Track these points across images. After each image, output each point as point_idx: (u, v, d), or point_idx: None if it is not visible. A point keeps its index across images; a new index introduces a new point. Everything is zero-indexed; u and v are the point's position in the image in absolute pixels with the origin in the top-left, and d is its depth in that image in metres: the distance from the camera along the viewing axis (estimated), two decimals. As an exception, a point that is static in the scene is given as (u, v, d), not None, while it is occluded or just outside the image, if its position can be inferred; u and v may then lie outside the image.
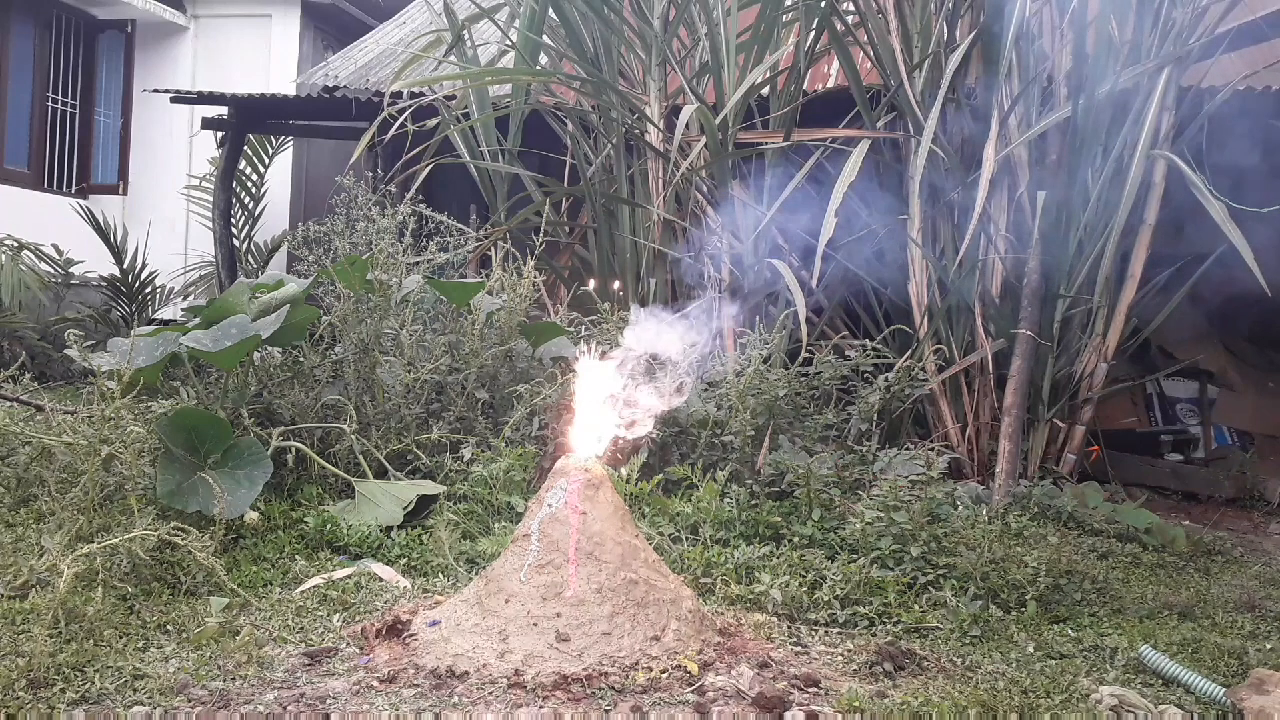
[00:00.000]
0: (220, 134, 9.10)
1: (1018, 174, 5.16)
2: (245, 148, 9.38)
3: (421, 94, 6.33)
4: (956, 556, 3.37)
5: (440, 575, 3.39)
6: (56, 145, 10.55)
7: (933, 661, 2.81)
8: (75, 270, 8.89)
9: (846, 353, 4.82)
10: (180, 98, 8.71)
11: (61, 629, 2.63)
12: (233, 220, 9.25)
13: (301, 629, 2.86)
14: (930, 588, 3.28)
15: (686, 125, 5.20)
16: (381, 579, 3.30)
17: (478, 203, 6.72)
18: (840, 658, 2.82)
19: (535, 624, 2.59)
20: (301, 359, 4.47)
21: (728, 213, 5.43)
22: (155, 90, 9.17)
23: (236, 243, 9.44)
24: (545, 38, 6.12)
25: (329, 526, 3.63)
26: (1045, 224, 4.88)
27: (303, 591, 3.14)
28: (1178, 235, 5.09)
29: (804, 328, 4.66)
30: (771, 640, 2.89)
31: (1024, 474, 4.81)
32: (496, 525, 3.75)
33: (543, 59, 6.37)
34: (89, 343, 3.89)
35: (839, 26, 5.43)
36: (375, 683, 2.48)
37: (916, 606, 3.18)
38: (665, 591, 2.75)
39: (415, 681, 2.49)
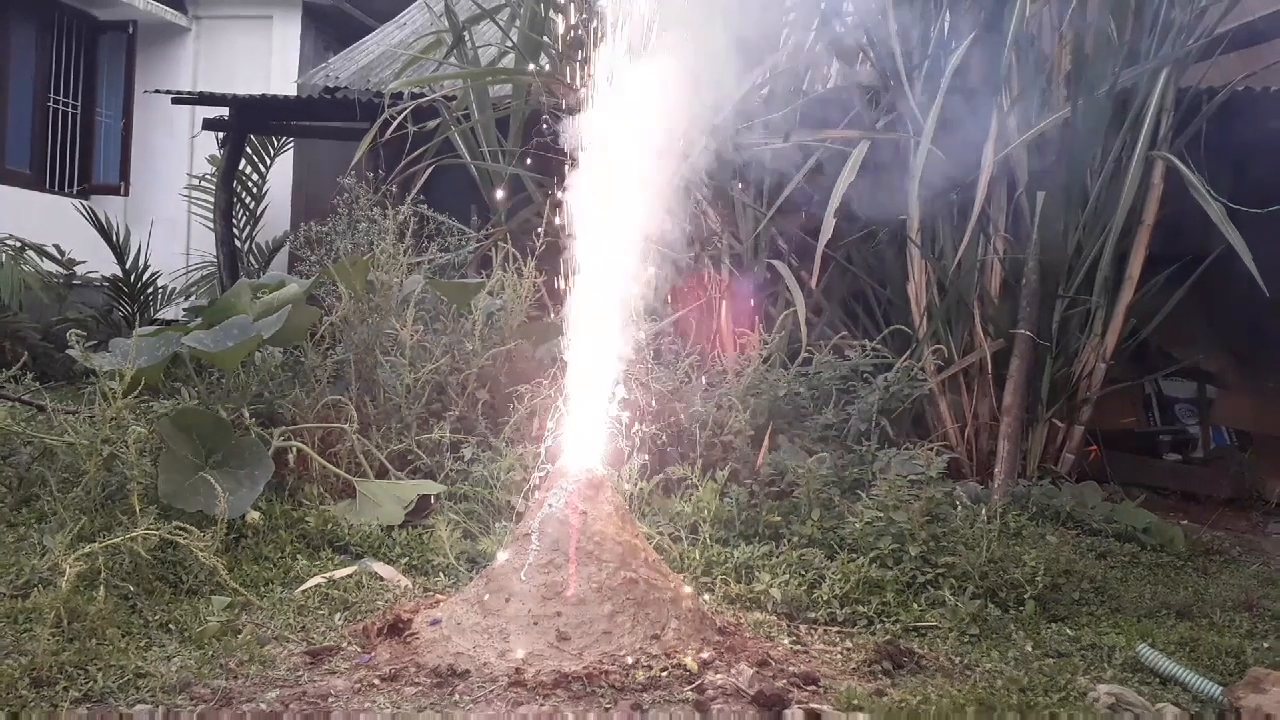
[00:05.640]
0: (221, 135, 9.11)
1: (1017, 174, 5.16)
2: (246, 148, 9.40)
3: (422, 94, 6.33)
4: (955, 556, 3.37)
5: (441, 574, 3.40)
6: (58, 146, 10.56)
7: (931, 660, 2.82)
8: (77, 270, 8.90)
9: (846, 353, 4.83)
10: (181, 99, 8.73)
11: (64, 628, 2.64)
12: (234, 221, 9.27)
13: (303, 628, 2.88)
14: (929, 587, 3.29)
15: (686, 126, 5.20)
16: (383, 578, 3.31)
17: (478, 203, 6.73)
18: (839, 656, 2.83)
19: (536, 623, 2.60)
20: (303, 359, 4.48)
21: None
22: (157, 91, 9.19)
23: (238, 243, 9.46)
24: (546, 38, 6.12)
25: (330, 526, 3.64)
26: (1044, 224, 4.88)
27: (304, 590, 3.15)
28: (1176, 235, 5.10)
29: (804, 328, 4.66)
30: (771, 639, 2.90)
31: (1023, 474, 4.81)
32: (497, 525, 3.76)
33: (543, 59, 6.37)
34: (91, 343, 3.89)
35: (838, 27, 5.43)
36: (376, 681, 2.49)
37: (915, 605, 3.19)
38: (665, 591, 2.76)
39: (416, 680, 2.50)
